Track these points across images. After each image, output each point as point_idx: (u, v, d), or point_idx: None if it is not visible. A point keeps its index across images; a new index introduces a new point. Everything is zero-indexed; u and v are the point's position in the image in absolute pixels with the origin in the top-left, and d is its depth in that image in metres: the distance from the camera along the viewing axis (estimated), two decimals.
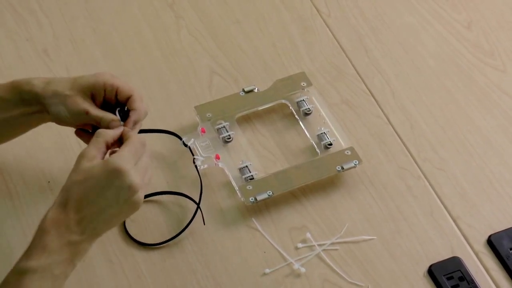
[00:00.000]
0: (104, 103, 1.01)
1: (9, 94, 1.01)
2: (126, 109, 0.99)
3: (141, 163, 0.92)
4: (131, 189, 0.89)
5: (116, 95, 1.00)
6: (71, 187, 0.90)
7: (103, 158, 0.93)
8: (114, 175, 0.89)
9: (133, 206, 0.91)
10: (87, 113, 0.98)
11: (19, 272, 0.86)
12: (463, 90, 1.24)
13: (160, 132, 1.12)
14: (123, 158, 0.90)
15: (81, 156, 0.91)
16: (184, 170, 1.12)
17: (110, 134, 0.94)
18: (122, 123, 0.99)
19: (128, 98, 0.99)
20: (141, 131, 1.10)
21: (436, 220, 1.10)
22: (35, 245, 0.87)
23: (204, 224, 1.08)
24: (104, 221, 0.90)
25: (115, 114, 0.99)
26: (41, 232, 0.88)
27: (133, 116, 0.99)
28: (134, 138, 0.94)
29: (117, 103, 1.01)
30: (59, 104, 0.99)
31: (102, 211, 0.89)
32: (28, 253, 0.87)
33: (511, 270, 1.06)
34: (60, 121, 1.01)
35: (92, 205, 0.89)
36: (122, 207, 0.90)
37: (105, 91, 0.99)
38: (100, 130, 0.95)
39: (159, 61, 1.25)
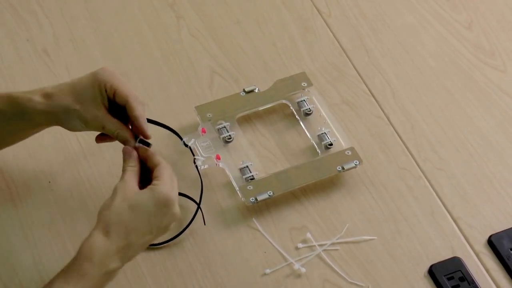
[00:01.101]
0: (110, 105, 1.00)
1: (9, 108, 0.99)
2: (147, 143, 0.99)
3: (176, 190, 0.93)
4: (175, 217, 0.92)
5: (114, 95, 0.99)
6: (115, 214, 0.90)
7: (138, 181, 0.94)
8: (163, 204, 0.91)
9: (166, 231, 0.93)
10: (103, 128, 0.98)
11: None
12: (463, 90, 1.24)
13: (162, 127, 1.10)
14: (168, 186, 0.91)
15: (123, 185, 0.92)
16: (184, 170, 1.12)
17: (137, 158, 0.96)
18: (138, 144, 0.98)
19: (123, 103, 0.98)
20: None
21: (436, 220, 1.10)
22: (75, 270, 0.87)
23: (205, 224, 1.08)
24: (141, 247, 0.92)
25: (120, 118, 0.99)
26: (83, 258, 0.88)
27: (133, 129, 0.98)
28: (166, 163, 0.95)
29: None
30: (74, 119, 0.98)
31: (143, 238, 0.90)
32: (67, 277, 0.87)
33: (511, 270, 1.06)
34: (71, 130, 1.01)
35: (137, 232, 0.90)
36: (159, 233, 0.92)
37: (106, 91, 0.98)
38: (131, 156, 0.95)
39: (159, 61, 1.25)
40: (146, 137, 0.98)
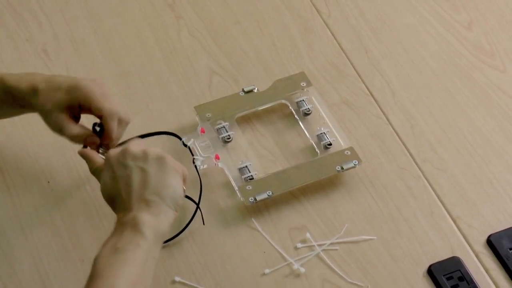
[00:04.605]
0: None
1: None
2: (98, 125, 1.02)
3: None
4: (139, 154, 0.95)
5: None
6: (106, 190, 0.96)
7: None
8: (123, 156, 0.95)
9: (160, 162, 0.94)
10: (60, 130, 1.00)
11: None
12: (463, 90, 1.24)
13: (159, 134, 1.13)
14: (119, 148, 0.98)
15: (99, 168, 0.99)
16: None
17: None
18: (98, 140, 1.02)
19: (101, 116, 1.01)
20: (141, 136, 1.11)
21: (436, 220, 1.10)
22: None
23: (204, 224, 1.08)
24: (159, 182, 0.94)
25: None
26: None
27: (104, 140, 1.02)
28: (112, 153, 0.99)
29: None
30: (41, 116, 1.01)
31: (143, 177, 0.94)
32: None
33: (511, 270, 1.06)
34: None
35: (132, 182, 0.94)
36: (151, 168, 0.94)
37: (80, 106, 1.00)
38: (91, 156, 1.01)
39: (159, 61, 1.25)
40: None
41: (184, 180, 0.96)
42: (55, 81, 1.00)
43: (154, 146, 1.13)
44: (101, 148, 1.03)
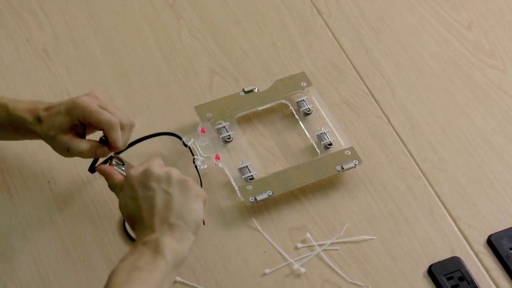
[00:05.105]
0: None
1: (3, 119, 1.03)
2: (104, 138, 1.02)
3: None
4: (163, 176, 0.94)
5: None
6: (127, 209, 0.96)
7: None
8: (146, 177, 0.95)
9: (184, 185, 0.94)
10: (67, 150, 1.00)
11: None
12: (463, 90, 1.24)
13: (160, 135, 1.13)
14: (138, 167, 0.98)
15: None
16: (184, 170, 1.12)
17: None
18: (112, 153, 1.02)
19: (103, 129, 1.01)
20: (141, 139, 1.11)
21: (436, 220, 1.10)
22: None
23: (204, 224, 1.08)
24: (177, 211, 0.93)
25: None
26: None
27: (111, 150, 1.01)
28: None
29: None
30: (49, 144, 1.02)
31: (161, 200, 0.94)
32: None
33: (511, 270, 1.06)
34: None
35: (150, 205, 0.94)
36: (175, 192, 0.94)
37: (82, 124, 1.01)
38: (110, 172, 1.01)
39: (159, 61, 1.25)
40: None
41: (203, 204, 0.96)
42: (54, 106, 1.01)
43: (155, 147, 1.13)
44: (114, 160, 1.02)
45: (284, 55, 1.26)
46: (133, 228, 0.96)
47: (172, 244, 0.90)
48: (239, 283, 1.04)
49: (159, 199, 0.93)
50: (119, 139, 0.99)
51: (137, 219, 0.94)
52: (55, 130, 1.00)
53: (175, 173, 0.95)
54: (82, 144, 1.00)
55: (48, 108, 1.01)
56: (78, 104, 0.99)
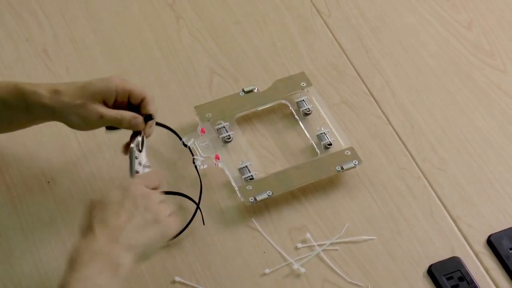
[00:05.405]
0: (115, 107, 1.02)
1: (13, 99, 1.01)
2: (151, 115, 1.03)
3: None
4: (154, 210, 0.92)
5: (129, 98, 1.02)
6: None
7: None
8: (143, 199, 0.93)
9: (154, 217, 0.92)
10: (101, 117, 1.00)
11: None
12: (463, 90, 1.24)
13: (162, 126, 1.12)
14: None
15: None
16: (184, 170, 1.12)
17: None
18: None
19: (141, 100, 1.02)
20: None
21: (436, 220, 1.10)
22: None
23: (204, 224, 1.08)
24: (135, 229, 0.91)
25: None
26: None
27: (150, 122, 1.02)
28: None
29: (129, 105, 1.02)
30: (70, 114, 1.00)
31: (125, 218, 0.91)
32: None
33: (511, 270, 1.06)
34: (73, 127, 1.03)
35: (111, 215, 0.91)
36: (145, 214, 0.92)
37: (116, 95, 1.01)
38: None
39: (159, 61, 1.25)
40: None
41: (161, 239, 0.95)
42: (77, 82, 1.01)
43: (155, 147, 1.13)
44: (136, 141, 1.02)
45: (284, 55, 1.26)
46: (88, 219, 0.92)
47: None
48: (239, 283, 1.04)
49: (136, 222, 0.91)
50: (156, 110, 1.02)
51: (101, 216, 0.91)
52: (84, 98, 0.99)
53: (173, 219, 0.94)
54: (121, 111, 1.00)
55: (69, 83, 1.01)
56: (113, 78, 1.00)
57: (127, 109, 1.02)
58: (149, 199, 0.93)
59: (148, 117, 1.02)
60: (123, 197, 0.92)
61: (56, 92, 1.00)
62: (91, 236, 0.88)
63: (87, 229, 0.90)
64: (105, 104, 1.01)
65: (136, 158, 1.01)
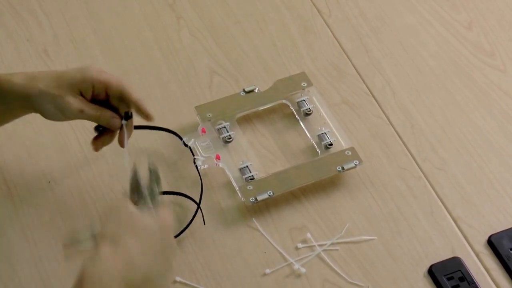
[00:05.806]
0: (94, 100, 1.00)
1: None
2: (130, 113, 1.01)
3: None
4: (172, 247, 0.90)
5: (107, 90, 0.99)
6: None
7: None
8: (164, 229, 0.90)
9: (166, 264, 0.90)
10: (81, 111, 0.98)
11: None
12: (463, 90, 1.24)
13: (161, 130, 1.13)
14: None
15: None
16: (184, 170, 1.12)
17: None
18: (124, 122, 1.00)
19: (119, 92, 0.99)
20: (143, 127, 1.10)
21: (436, 220, 1.10)
22: None
23: (205, 224, 1.08)
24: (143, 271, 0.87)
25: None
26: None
27: (138, 112, 0.99)
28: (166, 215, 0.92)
29: (107, 98, 1.00)
30: (47, 102, 0.98)
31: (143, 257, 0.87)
32: None
33: (511, 270, 1.06)
34: (48, 118, 1.00)
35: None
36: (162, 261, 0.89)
37: (93, 87, 0.98)
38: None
39: (159, 61, 1.25)
40: (150, 117, 1.00)
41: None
42: (53, 71, 0.98)
43: (155, 147, 1.13)
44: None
45: (284, 55, 1.26)
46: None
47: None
48: (239, 283, 1.04)
49: (129, 247, 0.86)
50: (138, 99, 0.99)
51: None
52: (61, 89, 0.96)
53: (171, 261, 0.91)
54: (100, 108, 0.98)
55: (46, 71, 0.98)
56: (90, 68, 0.97)
57: (104, 102, 1.00)
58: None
59: (126, 115, 0.99)
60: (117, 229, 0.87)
61: (31, 78, 0.97)
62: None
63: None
64: (83, 96, 0.98)
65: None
